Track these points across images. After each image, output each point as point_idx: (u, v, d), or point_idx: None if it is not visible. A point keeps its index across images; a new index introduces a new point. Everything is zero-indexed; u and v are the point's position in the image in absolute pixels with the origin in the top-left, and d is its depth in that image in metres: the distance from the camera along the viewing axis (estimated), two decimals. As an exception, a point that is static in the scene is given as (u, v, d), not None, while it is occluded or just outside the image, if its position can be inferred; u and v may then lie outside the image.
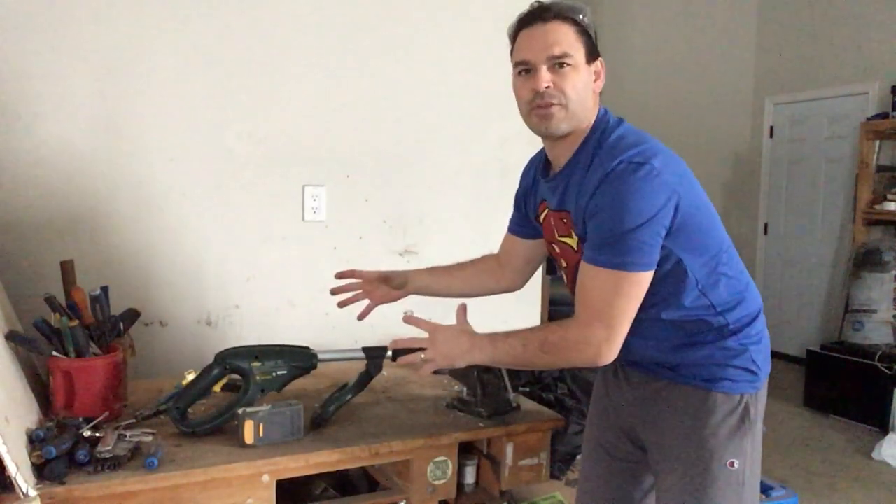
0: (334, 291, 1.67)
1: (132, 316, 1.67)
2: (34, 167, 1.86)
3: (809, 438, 3.84)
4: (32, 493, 1.14)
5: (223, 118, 2.07)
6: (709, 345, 1.27)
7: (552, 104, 1.23)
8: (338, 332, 2.24)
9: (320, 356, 1.55)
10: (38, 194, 1.87)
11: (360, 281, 1.66)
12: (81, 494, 1.21)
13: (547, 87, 1.23)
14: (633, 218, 1.14)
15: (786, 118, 5.60)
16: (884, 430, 3.70)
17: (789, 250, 5.57)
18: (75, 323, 1.50)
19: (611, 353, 1.19)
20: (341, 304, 1.68)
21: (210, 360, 1.51)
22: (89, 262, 1.85)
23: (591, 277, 1.20)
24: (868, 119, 4.70)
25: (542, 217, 1.40)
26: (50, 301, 1.55)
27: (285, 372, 1.51)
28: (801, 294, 5.44)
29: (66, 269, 1.65)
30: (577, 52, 1.23)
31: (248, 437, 1.39)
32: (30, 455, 1.23)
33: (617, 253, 1.16)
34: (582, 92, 1.24)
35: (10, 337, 1.44)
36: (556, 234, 1.34)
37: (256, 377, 1.49)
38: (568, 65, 1.23)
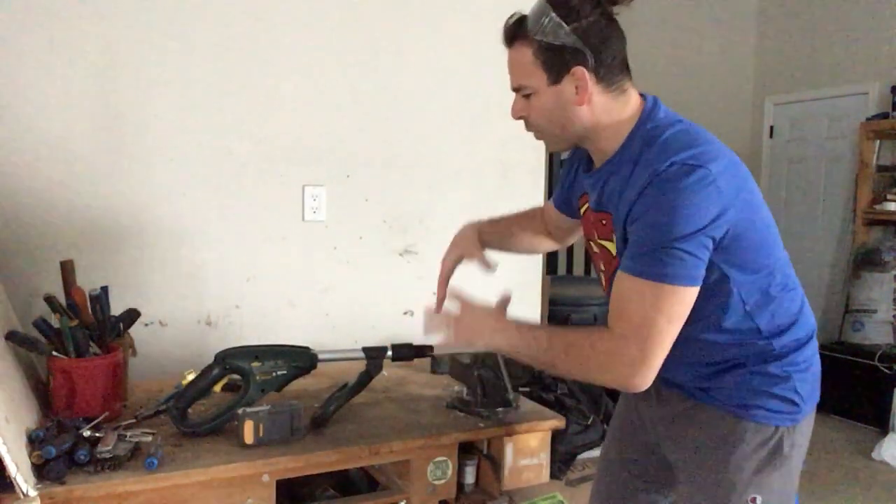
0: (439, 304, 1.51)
1: (132, 316, 1.67)
2: (34, 167, 1.86)
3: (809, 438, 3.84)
4: (32, 493, 1.14)
5: (223, 118, 2.07)
6: (748, 368, 1.17)
7: (533, 131, 1.21)
8: (338, 332, 2.25)
9: (320, 356, 1.55)
10: (37, 194, 1.87)
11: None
12: (81, 494, 1.21)
13: (520, 117, 1.19)
14: (681, 227, 1.02)
15: (786, 118, 5.61)
16: (884, 430, 3.71)
17: (789, 250, 5.52)
18: (75, 323, 1.49)
19: (644, 377, 1.07)
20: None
21: (210, 360, 1.51)
22: (89, 262, 1.85)
23: (629, 289, 1.07)
24: (868, 119, 4.70)
25: (582, 210, 1.31)
26: (50, 301, 1.55)
27: (285, 372, 1.51)
28: (801, 294, 5.44)
29: (66, 269, 1.65)
30: (534, 77, 1.13)
31: (248, 437, 1.39)
32: (30, 455, 1.22)
33: (659, 263, 1.03)
34: (555, 117, 1.15)
35: (10, 337, 1.44)
36: (596, 235, 1.24)
37: (256, 377, 1.49)
38: (527, 95, 1.16)
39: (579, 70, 1.11)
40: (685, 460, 1.25)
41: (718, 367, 1.19)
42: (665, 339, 1.06)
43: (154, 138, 1.99)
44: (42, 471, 1.21)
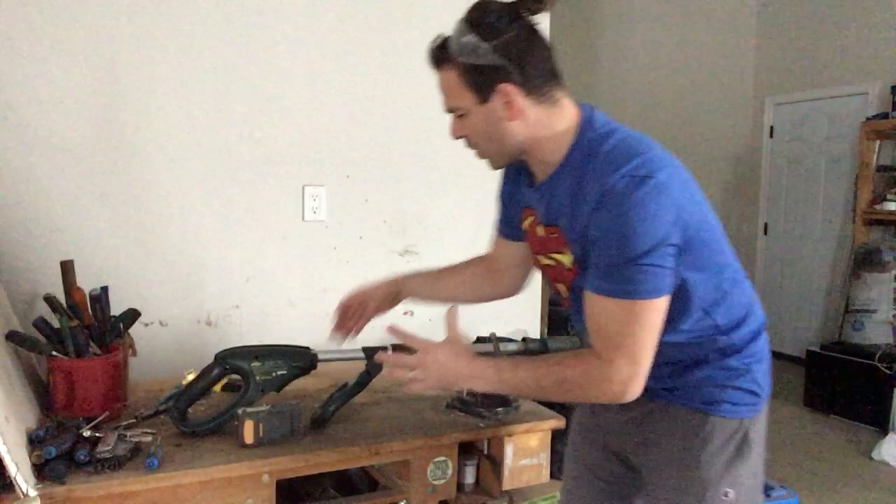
0: (337, 328, 1.55)
1: (132, 316, 1.67)
2: (34, 167, 1.86)
3: (809, 438, 3.85)
4: (32, 493, 1.14)
5: (223, 118, 2.07)
6: (710, 364, 1.18)
7: (474, 150, 1.21)
8: (338, 332, 2.25)
9: (320, 356, 1.55)
10: (37, 194, 1.87)
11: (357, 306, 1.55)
12: (81, 494, 1.21)
13: (458, 138, 1.20)
14: (642, 242, 1.03)
15: (786, 118, 5.61)
16: (884, 430, 3.71)
17: (789, 250, 5.58)
18: (75, 323, 1.50)
19: (638, 389, 1.09)
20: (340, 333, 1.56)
21: (210, 360, 1.51)
22: (89, 262, 1.85)
23: (603, 309, 1.08)
24: (868, 119, 4.70)
25: (525, 224, 1.30)
26: (50, 301, 1.55)
27: (285, 372, 1.51)
28: (801, 294, 5.45)
29: (66, 269, 1.65)
30: (464, 98, 1.13)
31: (248, 436, 1.39)
32: (30, 455, 1.22)
33: (627, 281, 1.04)
34: (490, 135, 1.15)
35: (10, 337, 1.44)
36: (547, 250, 1.23)
37: (256, 377, 1.49)
38: (461, 115, 1.16)
39: (504, 86, 1.10)
40: (655, 462, 1.24)
41: (681, 366, 1.20)
42: (650, 349, 1.09)
43: (154, 138, 1.99)
44: (42, 471, 1.21)
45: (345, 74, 2.23)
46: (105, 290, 1.59)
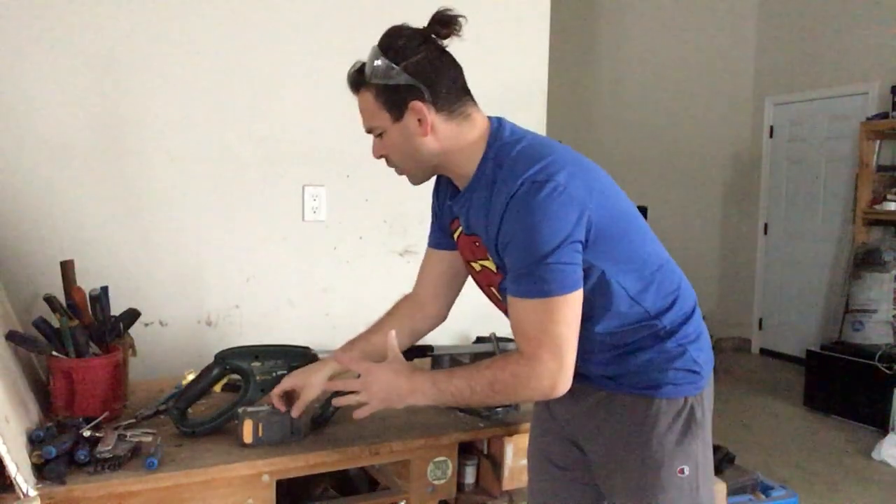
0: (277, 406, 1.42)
1: (132, 316, 1.67)
2: (34, 167, 1.86)
3: (809, 438, 3.85)
4: (32, 493, 1.14)
5: (223, 118, 2.07)
6: (647, 350, 1.23)
7: (394, 167, 1.28)
8: (338, 332, 2.24)
9: (320, 356, 1.55)
10: (37, 194, 1.87)
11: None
12: (81, 494, 1.21)
13: (380, 157, 1.27)
14: (547, 242, 1.09)
15: (786, 118, 5.61)
16: (884, 430, 3.71)
17: (789, 250, 5.58)
18: (75, 323, 1.49)
19: (566, 382, 1.14)
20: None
21: (210, 360, 1.51)
22: (89, 262, 1.85)
23: (521, 310, 1.15)
24: (868, 119, 4.70)
25: (456, 235, 1.35)
26: (50, 301, 1.55)
27: (285, 372, 1.51)
28: (801, 294, 5.45)
29: (66, 269, 1.65)
30: (381, 118, 1.22)
31: (248, 436, 1.39)
32: (30, 455, 1.22)
33: (539, 281, 1.11)
34: (406, 151, 1.23)
35: (10, 337, 1.44)
36: (476, 256, 1.29)
37: (256, 377, 1.49)
38: (380, 134, 1.24)
39: (416, 104, 1.18)
40: (607, 450, 1.28)
41: (619, 353, 1.24)
42: (571, 342, 1.14)
43: (154, 138, 1.99)
44: (42, 471, 1.21)
45: (345, 74, 2.22)
46: (105, 290, 1.59)
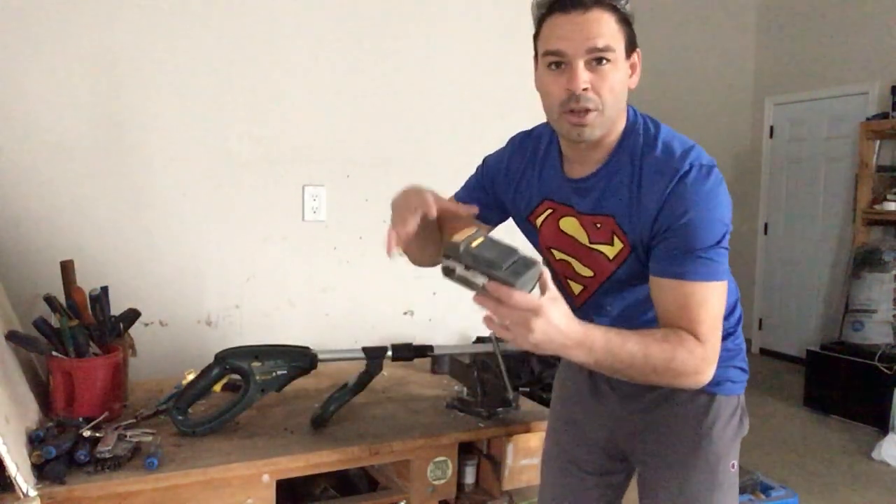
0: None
1: (132, 316, 1.67)
2: (34, 167, 1.86)
3: (809, 438, 3.85)
4: (32, 493, 1.14)
5: (223, 118, 2.07)
6: None
7: (589, 110, 1.07)
8: (338, 332, 2.25)
9: (320, 356, 1.55)
10: (37, 194, 1.87)
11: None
12: (81, 494, 1.21)
13: (585, 90, 1.06)
14: (720, 227, 1.08)
15: (786, 118, 5.61)
16: (884, 430, 3.71)
17: (789, 250, 5.58)
18: (75, 323, 1.49)
19: (713, 370, 1.09)
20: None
21: (210, 360, 1.51)
22: (89, 262, 1.85)
23: (696, 293, 1.06)
24: (868, 119, 4.70)
25: (541, 218, 1.25)
26: (50, 301, 1.55)
27: (285, 372, 1.51)
28: (801, 294, 5.45)
29: (66, 269, 1.65)
30: (619, 44, 1.07)
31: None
32: (30, 455, 1.22)
33: (715, 264, 1.07)
34: (619, 93, 1.09)
35: (10, 337, 1.44)
36: (588, 241, 1.19)
37: (256, 377, 1.49)
38: (608, 60, 1.06)
39: (638, 52, 1.12)
40: (662, 448, 1.27)
41: None
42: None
43: (154, 138, 1.99)
44: (42, 471, 1.21)
45: (345, 74, 2.23)
46: (105, 290, 1.59)
